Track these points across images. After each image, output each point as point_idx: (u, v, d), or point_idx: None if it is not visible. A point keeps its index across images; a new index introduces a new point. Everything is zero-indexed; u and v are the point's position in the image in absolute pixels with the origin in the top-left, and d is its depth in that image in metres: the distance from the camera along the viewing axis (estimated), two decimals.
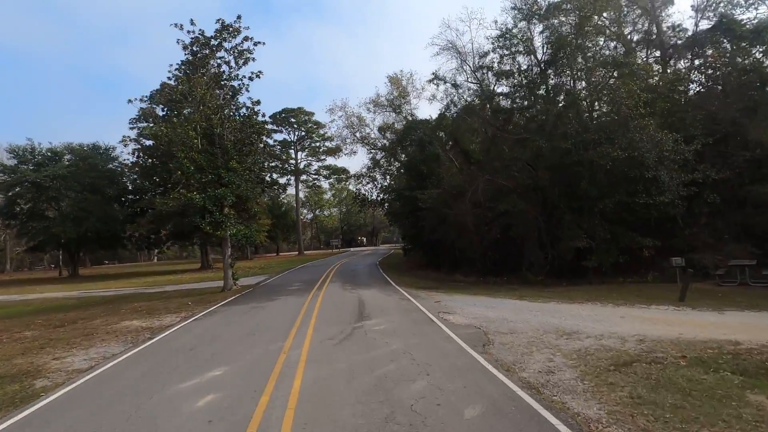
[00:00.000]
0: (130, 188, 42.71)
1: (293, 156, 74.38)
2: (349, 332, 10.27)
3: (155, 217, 32.65)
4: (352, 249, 75.97)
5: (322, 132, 74.18)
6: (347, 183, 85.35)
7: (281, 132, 73.20)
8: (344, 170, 77.08)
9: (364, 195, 44.69)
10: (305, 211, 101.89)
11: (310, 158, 76.30)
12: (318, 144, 74.89)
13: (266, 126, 22.32)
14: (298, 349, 8.76)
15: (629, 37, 26.30)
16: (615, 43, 25.07)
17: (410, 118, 34.07)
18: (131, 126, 40.23)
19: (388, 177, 42.62)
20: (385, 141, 37.38)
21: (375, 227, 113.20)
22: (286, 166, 74.35)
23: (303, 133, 74.23)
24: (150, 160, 37.25)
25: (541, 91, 23.76)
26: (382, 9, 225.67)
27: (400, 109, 34.27)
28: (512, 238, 24.83)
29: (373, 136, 37.69)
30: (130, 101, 19.88)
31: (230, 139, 20.94)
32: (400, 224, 40.89)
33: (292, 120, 72.51)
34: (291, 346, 9.07)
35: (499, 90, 26.43)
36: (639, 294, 15.15)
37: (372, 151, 38.20)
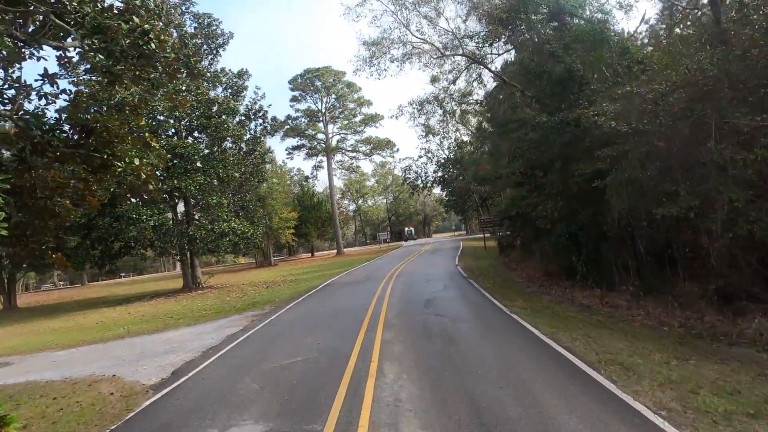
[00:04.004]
0: None
1: (323, 129, 58.16)
2: None
3: None
4: (404, 243, 58.83)
5: (356, 96, 57.75)
6: (392, 163, 68.28)
7: (305, 101, 57.38)
8: (389, 143, 60.19)
9: (416, 174, 28.41)
10: (346, 202, 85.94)
11: (343, 132, 59.81)
12: (353, 110, 58.19)
13: None
14: None
15: None
16: None
17: None
18: None
19: (446, 142, 25.85)
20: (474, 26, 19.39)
21: (426, 216, 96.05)
22: (314, 143, 58.36)
23: (333, 101, 57.81)
24: None
25: None
26: None
27: None
28: None
29: (443, 27, 19.97)
30: None
31: None
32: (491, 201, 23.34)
33: (318, 83, 56.23)
34: None
35: None
36: None
37: (442, 55, 20.13)
